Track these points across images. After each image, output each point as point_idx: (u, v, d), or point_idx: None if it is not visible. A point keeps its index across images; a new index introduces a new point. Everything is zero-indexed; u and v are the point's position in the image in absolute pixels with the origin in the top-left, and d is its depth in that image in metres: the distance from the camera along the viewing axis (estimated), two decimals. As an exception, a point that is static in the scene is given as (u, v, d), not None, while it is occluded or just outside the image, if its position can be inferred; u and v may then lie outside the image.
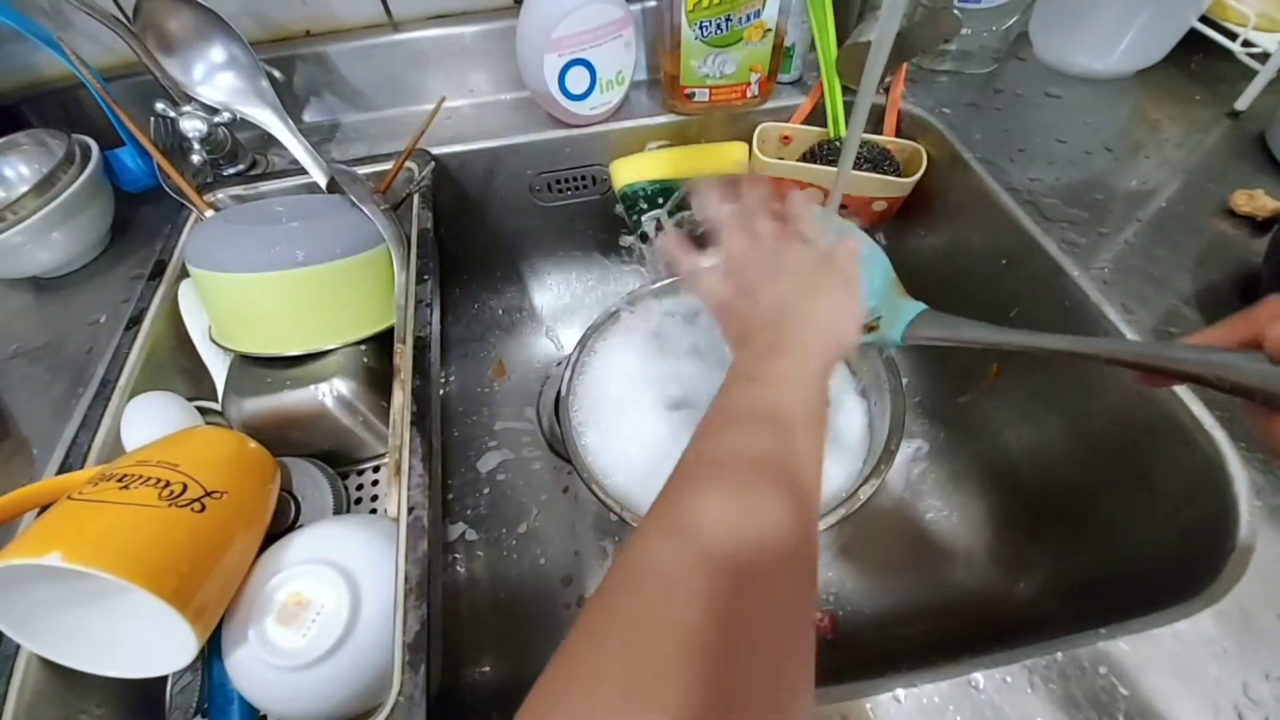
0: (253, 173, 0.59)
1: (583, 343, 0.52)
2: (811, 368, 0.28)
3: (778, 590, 0.21)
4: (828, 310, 0.30)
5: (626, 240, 0.69)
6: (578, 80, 0.55)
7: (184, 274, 0.51)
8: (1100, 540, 0.43)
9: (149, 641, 0.32)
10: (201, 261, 0.44)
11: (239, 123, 0.53)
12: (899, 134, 0.58)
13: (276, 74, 0.59)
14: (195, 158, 0.57)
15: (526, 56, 0.55)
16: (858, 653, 0.48)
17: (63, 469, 0.39)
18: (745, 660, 0.19)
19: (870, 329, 0.33)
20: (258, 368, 0.46)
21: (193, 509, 0.33)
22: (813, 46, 0.56)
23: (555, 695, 0.19)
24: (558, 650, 0.20)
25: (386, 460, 0.49)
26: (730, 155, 0.60)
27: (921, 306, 0.33)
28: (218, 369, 0.48)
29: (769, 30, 0.54)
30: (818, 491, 0.26)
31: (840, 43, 0.55)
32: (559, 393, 0.50)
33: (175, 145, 0.56)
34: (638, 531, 0.24)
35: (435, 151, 0.59)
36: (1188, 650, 0.30)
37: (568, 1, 0.51)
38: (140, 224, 0.57)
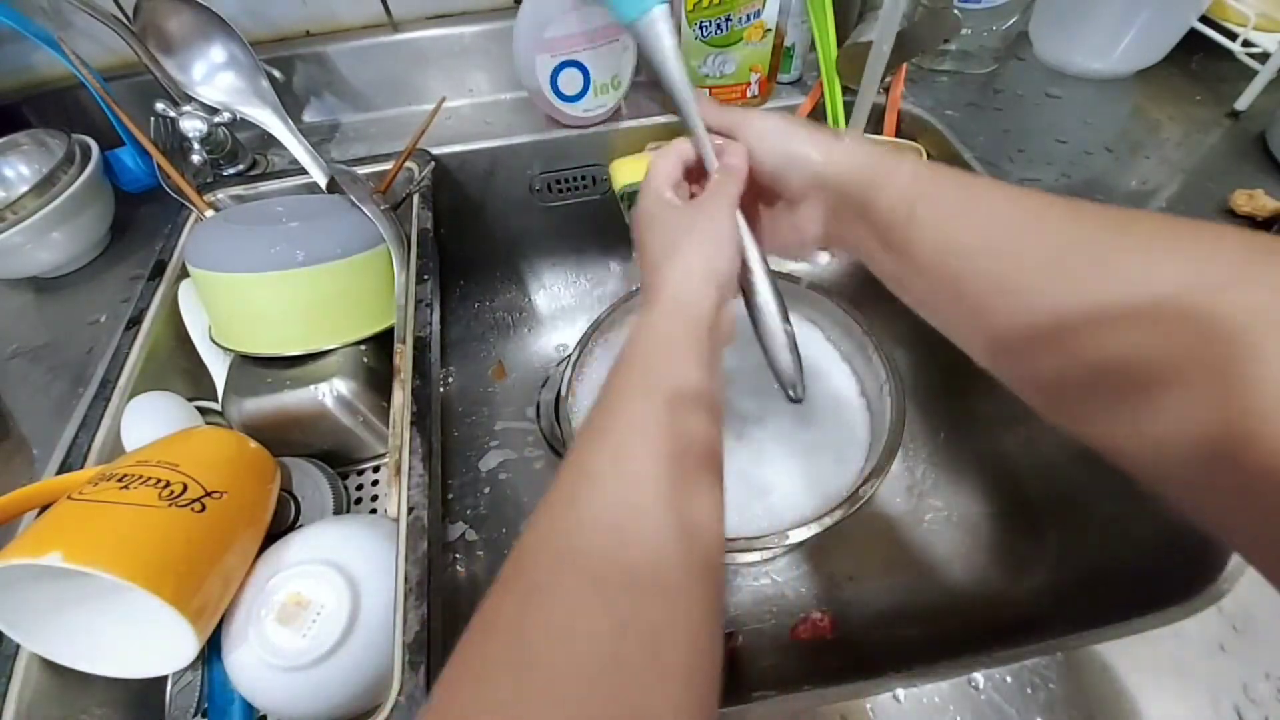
0: (253, 173, 0.59)
1: (583, 343, 0.52)
2: (675, 313, 0.28)
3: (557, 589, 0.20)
4: (691, 251, 0.30)
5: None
6: (570, 82, 0.55)
7: (184, 274, 0.51)
8: (1100, 540, 0.43)
9: (149, 641, 0.32)
10: (201, 261, 0.44)
11: (239, 123, 0.53)
12: (899, 134, 0.58)
13: (276, 74, 0.59)
14: (195, 158, 0.57)
15: (521, 57, 0.55)
16: (858, 653, 0.48)
17: (63, 469, 0.39)
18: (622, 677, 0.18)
19: None
20: (258, 368, 0.46)
21: (193, 509, 0.33)
22: (813, 46, 0.56)
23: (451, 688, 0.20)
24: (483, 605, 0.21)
25: (386, 460, 0.49)
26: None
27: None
28: (218, 369, 0.48)
29: (769, 30, 0.54)
30: (656, 479, 0.23)
31: (840, 43, 0.55)
32: (559, 393, 0.50)
33: (175, 145, 0.56)
34: (562, 487, 0.24)
35: (435, 151, 0.59)
36: (1188, 650, 0.30)
37: (563, 2, 0.51)
38: (140, 224, 0.57)
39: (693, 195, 0.34)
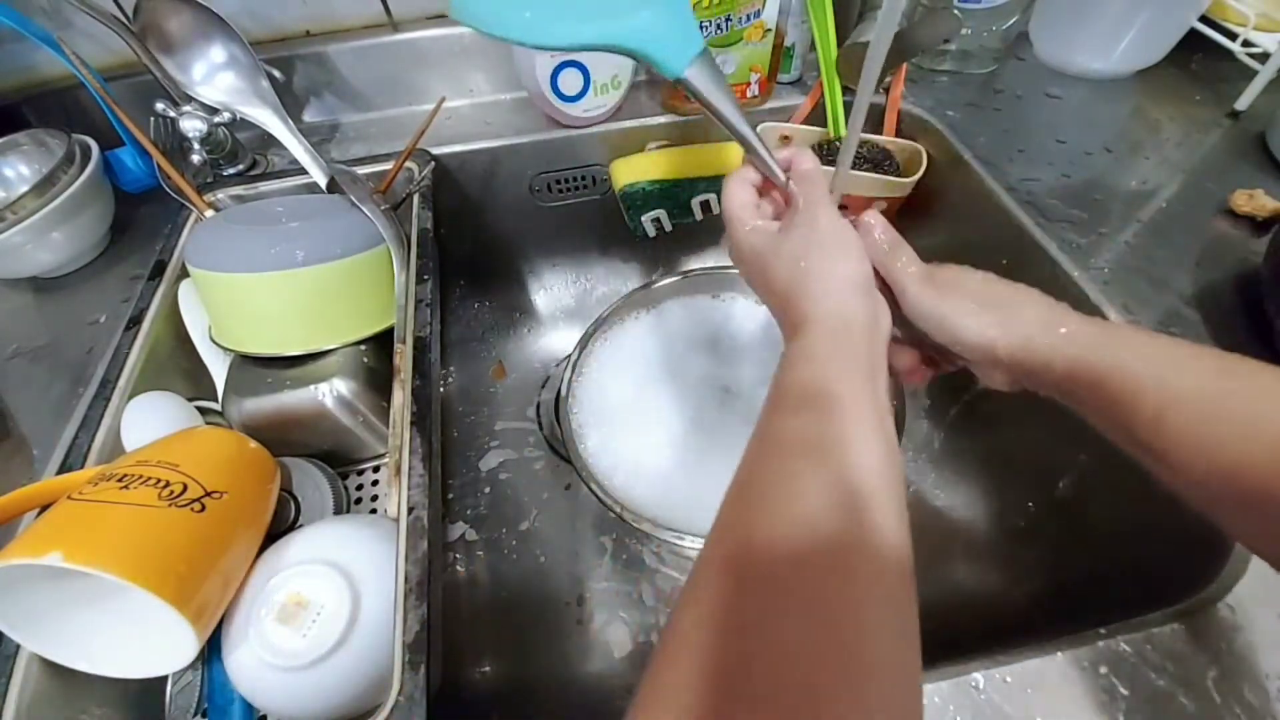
0: (253, 173, 0.59)
1: (583, 343, 0.52)
2: (826, 326, 0.27)
3: (805, 589, 0.19)
4: (828, 263, 0.29)
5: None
6: (570, 82, 0.55)
7: (184, 274, 0.51)
8: (1100, 540, 0.43)
9: (149, 641, 0.32)
10: (201, 261, 0.44)
11: (239, 123, 0.53)
12: (899, 134, 0.58)
13: (276, 74, 0.59)
14: (195, 158, 0.57)
15: (521, 57, 0.55)
16: (858, 653, 0.48)
17: (63, 469, 0.39)
18: (755, 667, 0.18)
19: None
20: (258, 368, 0.46)
21: (193, 509, 0.33)
22: (813, 46, 0.56)
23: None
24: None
25: (386, 460, 0.49)
26: (730, 155, 0.60)
27: (703, 44, 0.32)
28: (218, 369, 0.48)
29: (769, 30, 0.54)
30: (877, 478, 0.22)
31: (840, 43, 0.55)
32: (559, 393, 0.50)
33: (175, 145, 0.56)
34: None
35: (435, 151, 0.59)
36: (1188, 650, 0.30)
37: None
38: (140, 224, 0.57)
39: (775, 216, 0.34)
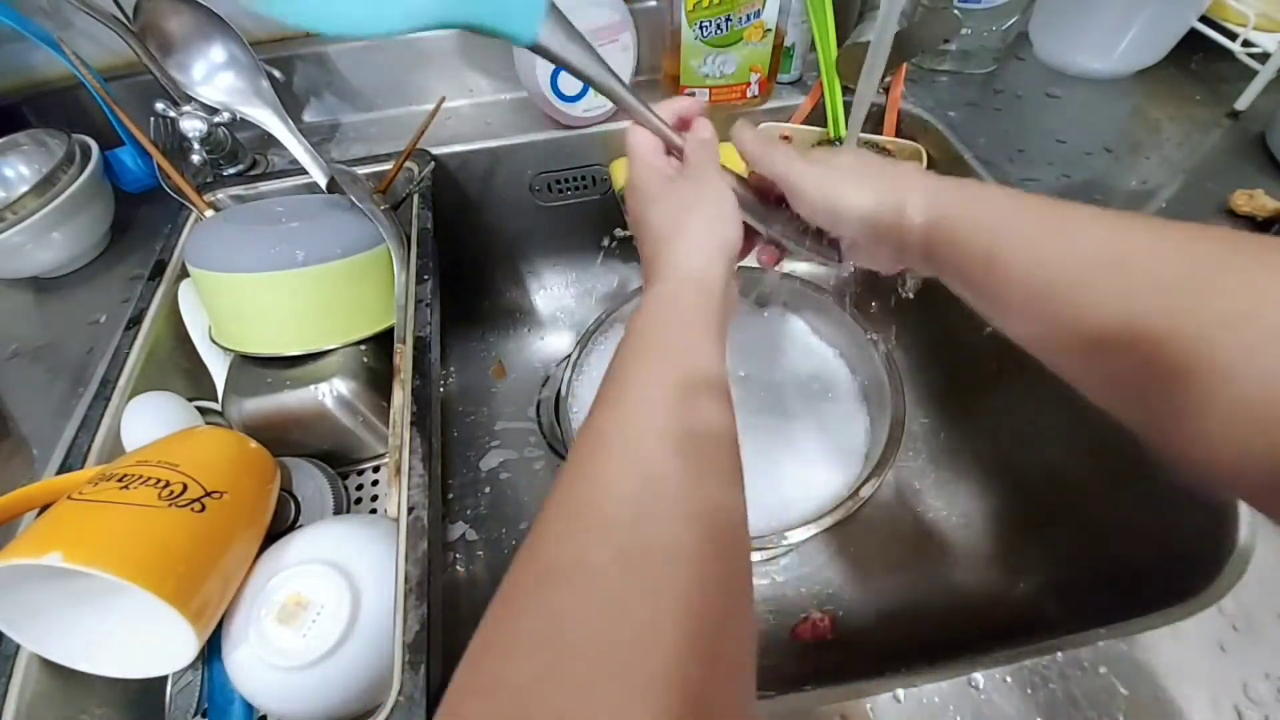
0: (253, 173, 0.59)
1: (583, 343, 0.52)
2: (683, 288, 0.28)
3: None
4: (693, 224, 0.30)
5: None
6: (571, 82, 0.55)
7: (184, 274, 0.51)
8: (1100, 540, 0.43)
9: (149, 641, 0.32)
10: (201, 261, 0.44)
11: (239, 123, 0.53)
12: (899, 134, 0.58)
13: (276, 74, 0.59)
14: (195, 158, 0.57)
15: (521, 56, 0.55)
16: (858, 653, 0.48)
17: (63, 469, 0.39)
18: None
19: None
20: (258, 368, 0.46)
21: (193, 509, 0.33)
22: (813, 46, 0.56)
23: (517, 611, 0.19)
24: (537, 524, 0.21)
25: (386, 460, 0.49)
26: (730, 155, 0.60)
27: (548, 2, 0.30)
28: (218, 369, 0.48)
29: (769, 30, 0.54)
30: (653, 452, 0.22)
31: (840, 43, 0.55)
32: (559, 393, 0.50)
33: (175, 145, 0.56)
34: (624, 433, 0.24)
35: (435, 151, 0.59)
36: (1188, 650, 0.30)
37: (563, 2, 0.50)
38: (140, 224, 0.57)
39: None
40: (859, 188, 0.29)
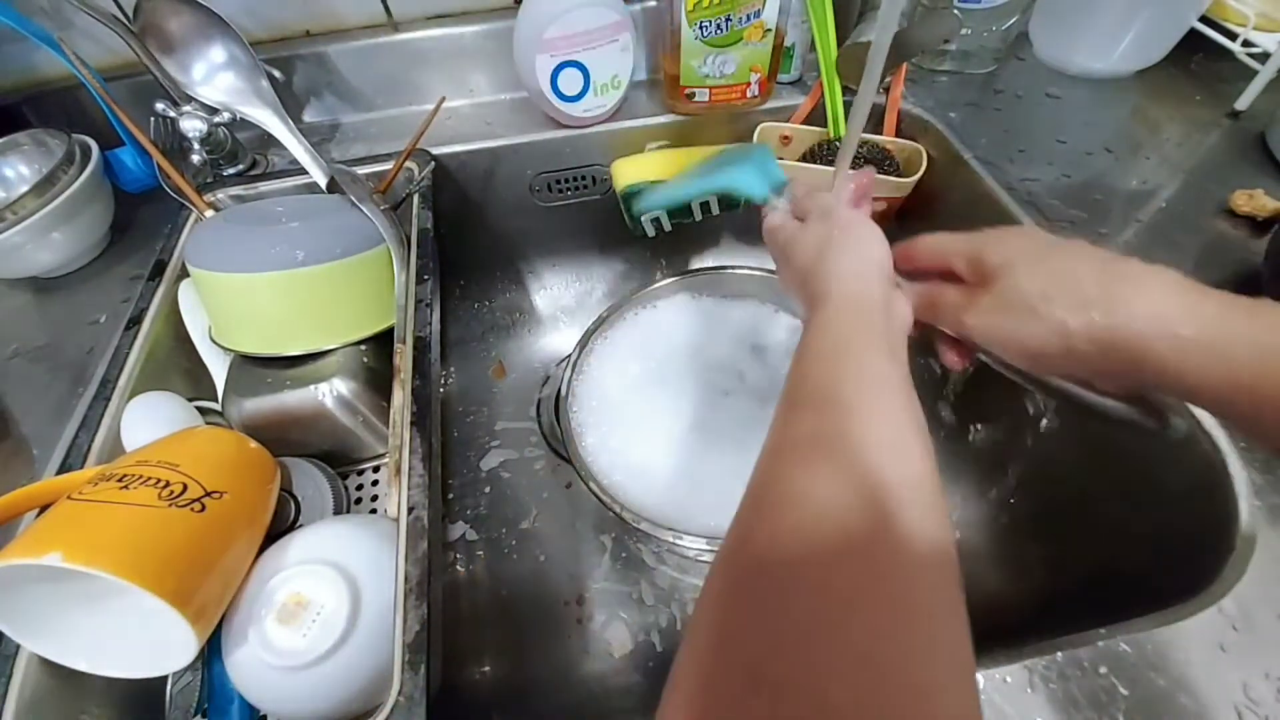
0: (253, 173, 0.59)
1: (583, 343, 0.52)
2: (843, 312, 0.27)
3: (829, 592, 0.18)
4: (843, 251, 0.30)
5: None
6: (571, 82, 0.55)
7: (184, 274, 0.51)
8: (1100, 540, 0.43)
9: (149, 641, 0.32)
10: (201, 261, 0.44)
11: (239, 123, 0.53)
12: (899, 134, 0.58)
13: (276, 74, 0.59)
14: (195, 158, 0.57)
15: (521, 57, 0.55)
16: (858, 653, 0.48)
17: (63, 469, 0.39)
18: (800, 660, 0.17)
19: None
20: (258, 368, 0.46)
21: (193, 509, 0.33)
22: (813, 46, 0.56)
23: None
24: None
25: (386, 460, 0.49)
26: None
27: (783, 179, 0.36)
28: (218, 369, 0.48)
29: (769, 30, 0.54)
30: (890, 461, 0.21)
31: (840, 43, 0.55)
32: (559, 393, 0.50)
33: (175, 145, 0.56)
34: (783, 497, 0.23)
35: (435, 151, 0.59)
36: (1188, 650, 0.30)
37: (562, 3, 0.51)
38: (140, 224, 0.57)
39: None
40: (1039, 324, 0.26)
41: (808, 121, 0.59)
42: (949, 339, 0.32)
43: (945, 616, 0.18)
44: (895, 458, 0.22)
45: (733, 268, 0.57)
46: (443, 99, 0.58)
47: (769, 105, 0.61)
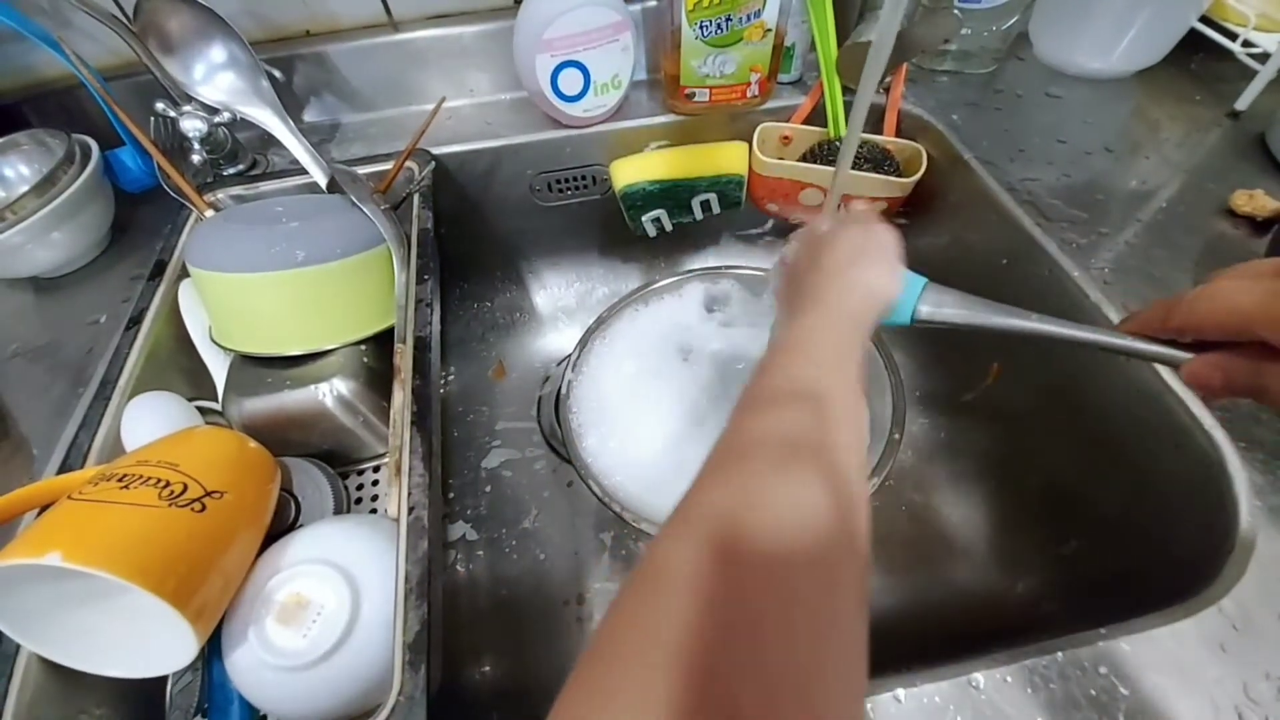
0: (253, 173, 0.59)
1: (583, 343, 0.52)
2: (842, 319, 0.29)
3: (797, 585, 0.19)
4: (865, 269, 0.31)
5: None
6: (571, 82, 0.55)
7: (184, 274, 0.51)
8: (1100, 540, 0.43)
9: (149, 641, 0.32)
10: (201, 261, 0.44)
11: (239, 123, 0.53)
12: (899, 134, 0.58)
13: (276, 74, 0.59)
14: (195, 158, 0.57)
15: (521, 56, 0.55)
16: (858, 653, 0.48)
17: (63, 469, 0.39)
18: (749, 662, 0.17)
19: None
20: (258, 368, 0.46)
21: (193, 509, 0.33)
22: (813, 46, 0.56)
23: (561, 707, 0.18)
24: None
25: (386, 460, 0.49)
26: (730, 155, 0.60)
27: (923, 280, 0.32)
28: (218, 369, 0.48)
29: (769, 30, 0.54)
30: (856, 474, 0.22)
31: (840, 43, 0.55)
32: (559, 393, 0.50)
33: (175, 145, 0.56)
34: (664, 523, 0.23)
35: (435, 151, 0.59)
36: (1188, 650, 0.30)
37: (562, 3, 0.51)
38: (140, 224, 0.57)
39: None
40: None
41: (808, 121, 0.59)
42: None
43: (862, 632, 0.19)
44: (860, 474, 0.23)
45: (733, 268, 0.57)
46: (443, 99, 0.58)
47: (769, 105, 0.61)
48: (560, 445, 0.58)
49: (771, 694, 0.17)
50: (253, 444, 0.41)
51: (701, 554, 0.20)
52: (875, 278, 0.31)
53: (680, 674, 0.17)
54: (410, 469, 0.37)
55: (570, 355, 0.52)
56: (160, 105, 0.53)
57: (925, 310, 0.32)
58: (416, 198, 0.54)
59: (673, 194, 0.60)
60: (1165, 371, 0.38)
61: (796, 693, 0.17)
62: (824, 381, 0.25)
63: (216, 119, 0.54)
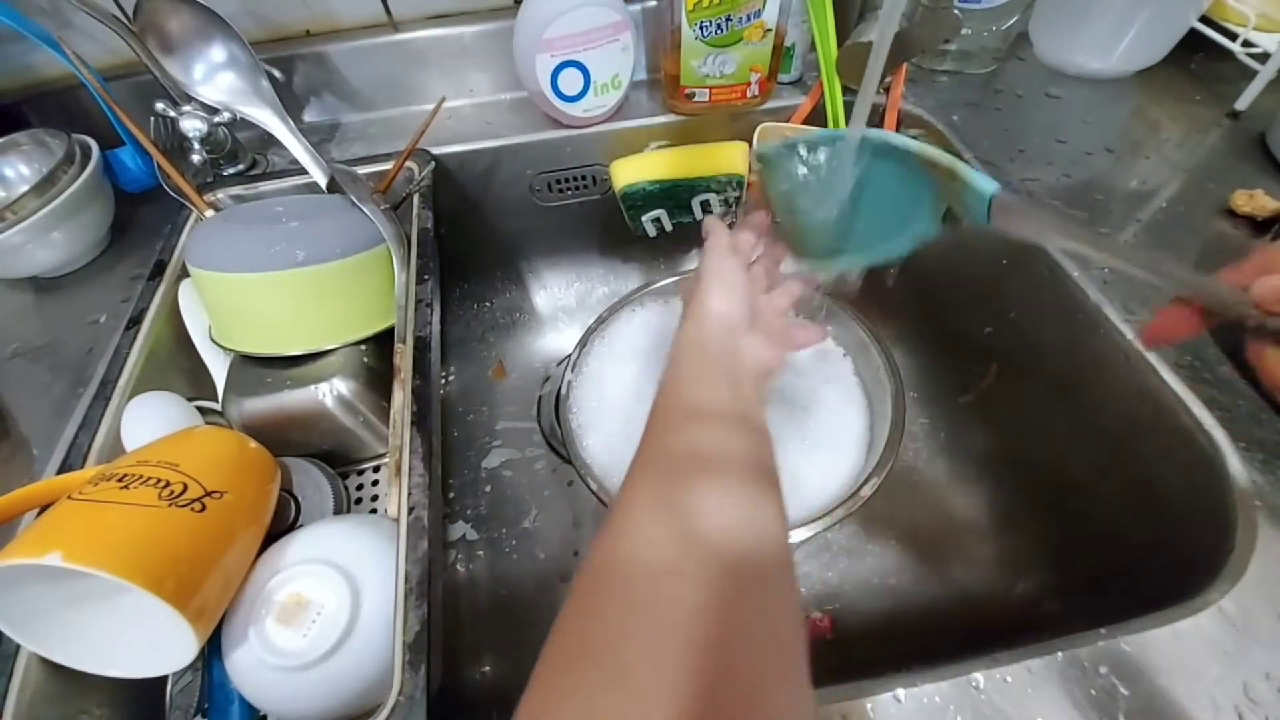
0: (253, 173, 0.59)
1: (583, 343, 0.52)
2: (696, 349, 0.32)
3: (768, 590, 0.23)
4: (702, 303, 0.33)
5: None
6: (571, 82, 0.55)
7: (184, 274, 0.51)
8: (1100, 540, 0.43)
9: (149, 641, 0.32)
10: (201, 261, 0.44)
11: (239, 123, 0.53)
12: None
13: (276, 74, 0.59)
14: (195, 158, 0.57)
15: (521, 56, 0.55)
16: (858, 653, 0.48)
17: (63, 469, 0.39)
18: (739, 658, 0.19)
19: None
20: (258, 368, 0.46)
21: (193, 509, 0.33)
22: (813, 46, 0.56)
23: (549, 686, 0.20)
24: (553, 630, 0.22)
25: (386, 460, 0.49)
26: (730, 155, 0.60)
27: (995, 185, 0.30)
28: (218, 369, 0.48)
29: (769, 30, 0.54)
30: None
31: (840, 43, 0.55)
32: (559, 393, 0.50)
33: (175, 145, 0.56)
34: (624, 510, 0.24)
35: (435, 151, 0.59)
36: (1188, 650, 0.30)
37: (562, 3, 0.51)
38: (140, 224, 0.57)
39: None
40: None
41: (808, 121, 0.59)
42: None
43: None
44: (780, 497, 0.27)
45: (733, 268, 0.57)
46: (443, 99, 0.58)
47: (769, 105, 0.61)
48: (560, 445, 0.58)
49: (758, 686, 0.19)
50: (253, 444, 0.41)
51: (689, 557, 0.22)
52: (707, 304, 0.33)
53: (684, 664, 0.19)
54: (410, 469, 0.37)
55: (570, 355, 0.52)
56: (160, 105, 0.53)
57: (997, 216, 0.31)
58: (416, 198, 0.54)
59: (673, 194, 0.60)
60: (1165, 371, 0.38)
61: (775, 684, 0.20)
62: (758, 419, 0.29)
63: (216, 119, 0.54)
